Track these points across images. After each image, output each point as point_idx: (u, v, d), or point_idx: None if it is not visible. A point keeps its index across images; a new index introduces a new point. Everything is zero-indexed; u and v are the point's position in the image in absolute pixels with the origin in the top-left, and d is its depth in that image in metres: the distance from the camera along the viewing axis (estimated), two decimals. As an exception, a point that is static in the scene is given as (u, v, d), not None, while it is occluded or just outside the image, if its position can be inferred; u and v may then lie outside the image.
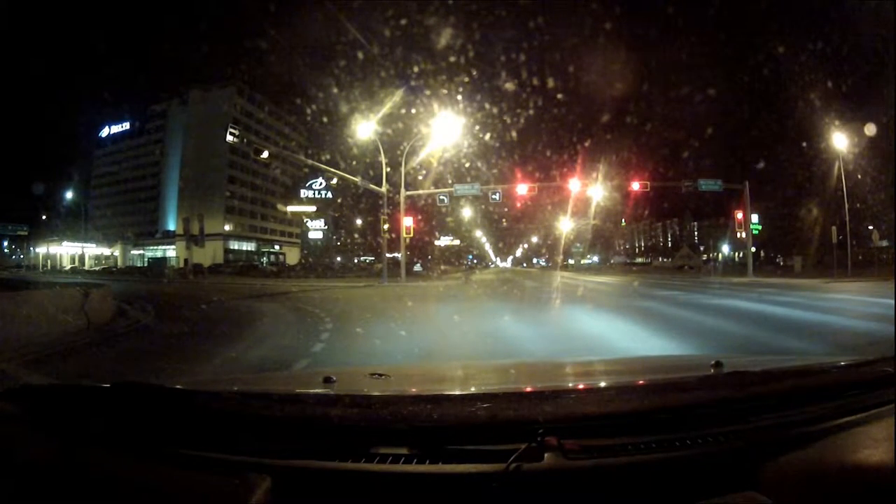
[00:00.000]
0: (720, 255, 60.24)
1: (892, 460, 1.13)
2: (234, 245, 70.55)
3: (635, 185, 31.41)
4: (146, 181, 76.44)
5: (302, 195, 56.85)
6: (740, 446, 1.25)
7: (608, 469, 1.18)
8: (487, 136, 37.98)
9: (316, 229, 60.72)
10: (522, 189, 31.21)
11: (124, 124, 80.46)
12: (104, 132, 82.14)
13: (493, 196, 31.17)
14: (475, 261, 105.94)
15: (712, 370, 1.77)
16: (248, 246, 72.60)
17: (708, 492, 1.12)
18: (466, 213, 62.49)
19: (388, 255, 31.10)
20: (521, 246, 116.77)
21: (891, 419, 1.31)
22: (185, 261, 62.17)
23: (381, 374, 2.00)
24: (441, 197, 31.54)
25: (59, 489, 1.22)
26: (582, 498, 1.14)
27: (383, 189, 27.40)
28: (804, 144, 35.35)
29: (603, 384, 1.93)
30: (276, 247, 76.08)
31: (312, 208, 58.20)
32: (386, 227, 27.36)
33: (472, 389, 1.92)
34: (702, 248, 72.87)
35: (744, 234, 31.70)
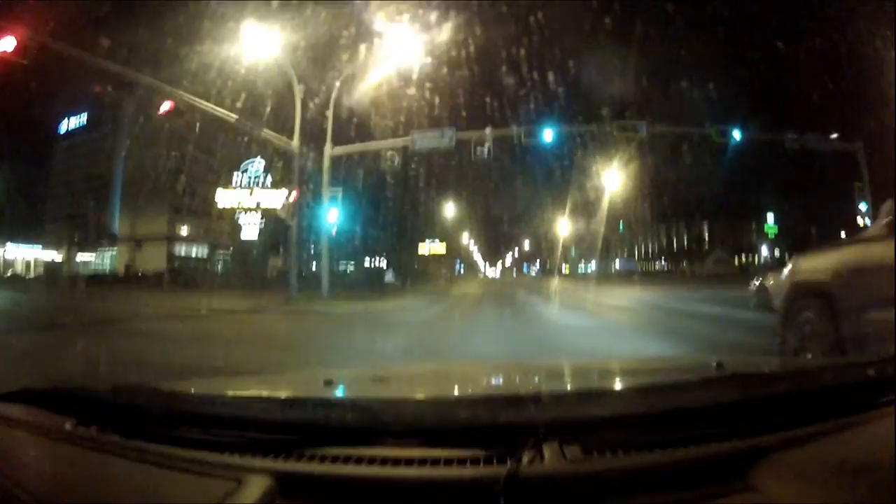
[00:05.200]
0: (759, 259, 51.30)
1: (893, 461, 1.12)
2: (183, 249, 61.49)
3: (733, 133, 19.21)
4: (101, 179, 68.02)
5: (234, 181, 45.41)
6: (742, 447, 1.23)
7: (609, 471, 1.17)
8: (468, 72, 24.00)
9: (250, 224, 49.81)
10: (547, 135, 19.38)
11: (82, 116, 72.16)
12: (63, 126, 73.66)
13: (481, 150, 19.60)
14: (462, 268, 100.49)
15: (714, 372, 1.78)
16: (201, 250, 63.41)
17: (709, 493, 1.12)
18: (456, 216, 55.13)
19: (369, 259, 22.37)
20: (510, 253, 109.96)
21: (891, 419, 1.30)
22: (127, 267, 55.73)
23: (381, 377, 2.11)
24: (390, 153, 19.67)
25: (58, 491, 1.21)
26: (584, 501, 1.12)
27: (294, 143, 18.23)
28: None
29: (604, 386, 1.97)
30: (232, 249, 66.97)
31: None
32: (292, 198, 17.78)
33: (472, 392, 2.01)
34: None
35: (867, 220, 18.99)
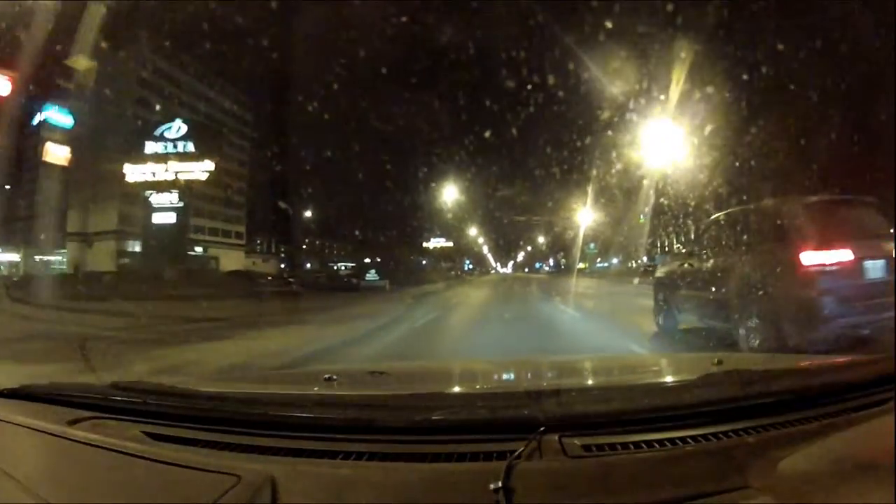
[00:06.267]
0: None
1: (892, 459, 1.12)
2: (136, 246, 52.72)
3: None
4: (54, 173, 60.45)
5: (147, 150, 35.49)
6: (741, 444, 1.23)
7: (609, 467, 1.17)
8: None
9: (164, 208, 38.70)
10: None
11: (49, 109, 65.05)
12: (37, 118, 66.61)
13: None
14: (472, 266, 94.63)
15: (713, 369, 1.76)
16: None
17: (708, 490, 1.11)
18: (458, 201, 47.38)
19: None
20: (523, 250, 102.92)
21: (891, 417, 1.32)
22: (76, 267, 46.37)
23: (381, 373, 2.09)
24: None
25: (57, 488, 1.21)
26: (582, 496, 1.11)
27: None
28: None
29: (604, 383, 2.03)
30: (199, 249, 57.76)
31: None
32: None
33: (472, 388, 2.00)
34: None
35: None
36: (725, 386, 1.46)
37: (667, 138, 24.93)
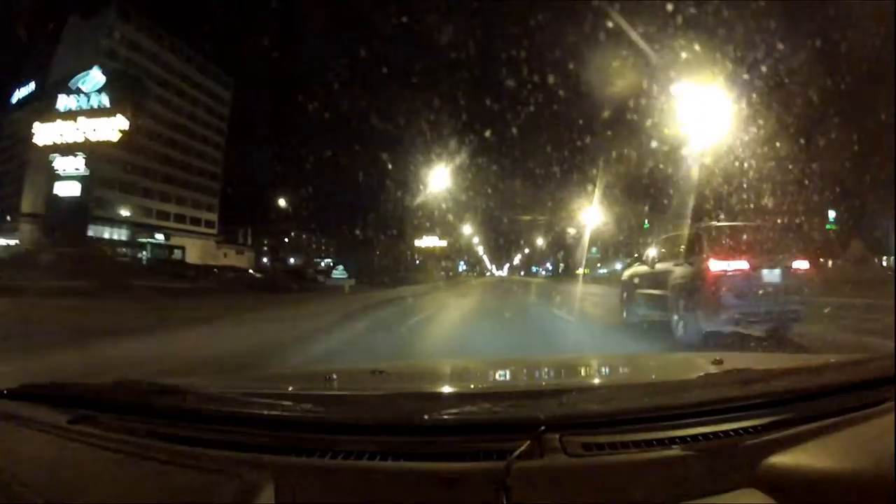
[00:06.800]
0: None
1: (892, 458, 1.12)
2: (90, 231, 48.36)
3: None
4: (16, 154, 56.76)
5: (59, 106, 29.44)
6: (741, 444, 1.25)
7: (609, 467, 1.18)
8: None
9: (69, 177, 31.76)
10: None
11: (30, 85, 61.44)
12: (15, 97, 62.76)
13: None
14: (467, 267, 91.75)
15: (713, 368, 1.79)
16: (116, 233, 50.27)
17: (708, 489, 1.13)
18: (457, 210, 43.94)
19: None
20: (520, 252, 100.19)
21: (890, 416, 1.33)
22: (28, 250, 44.25)
23: (381, 372, 2.05)
24: None
25: (58, 487, 1.21)
26: (583, 495, 1.12)
27: None
28: None
29: (605, 382, 2.05)
30: (159, 236, 52.57)
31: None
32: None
33: (473, 387, 2.00)
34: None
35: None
36: (725, 385, 1.48)
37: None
